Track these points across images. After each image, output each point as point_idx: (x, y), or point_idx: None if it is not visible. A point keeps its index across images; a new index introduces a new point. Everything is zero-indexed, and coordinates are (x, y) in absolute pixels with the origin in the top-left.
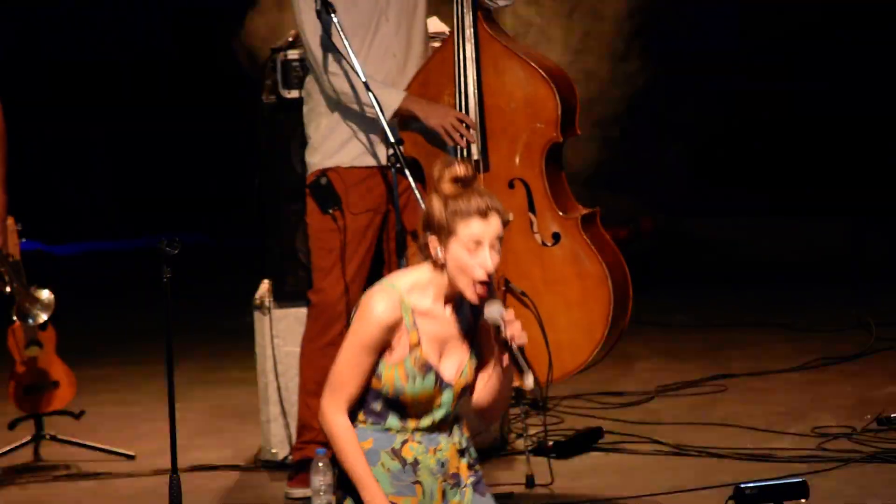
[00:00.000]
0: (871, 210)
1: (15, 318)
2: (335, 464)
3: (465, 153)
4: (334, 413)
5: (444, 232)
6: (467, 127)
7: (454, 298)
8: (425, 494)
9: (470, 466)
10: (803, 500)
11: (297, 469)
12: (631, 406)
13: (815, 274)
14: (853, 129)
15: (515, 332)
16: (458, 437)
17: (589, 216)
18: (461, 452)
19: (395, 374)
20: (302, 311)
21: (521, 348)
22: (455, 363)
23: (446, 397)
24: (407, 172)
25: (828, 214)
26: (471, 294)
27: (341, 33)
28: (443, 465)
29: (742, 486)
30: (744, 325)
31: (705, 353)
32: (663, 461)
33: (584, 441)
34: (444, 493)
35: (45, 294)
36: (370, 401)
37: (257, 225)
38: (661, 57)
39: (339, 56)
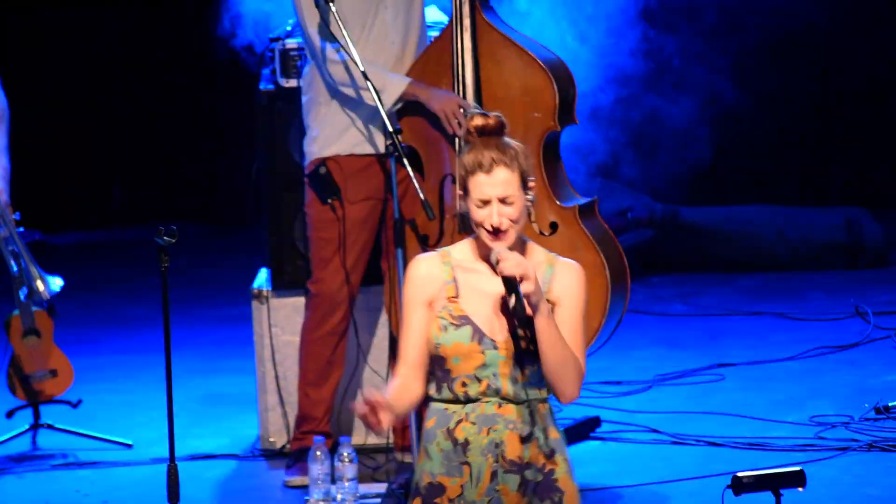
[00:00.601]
0: (868, 198)
1: (23, 298)
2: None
3: (462, 142)
4: (394, 381)
5: (462, 189)
6: (466, 114)
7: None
8: (472, 476)
9: (529, 464)
10: (800, 489)
11: (296, 458)
12: (629, 395)
13: (813, 262)
14: (848, 115)
15: (508, 264)
16: (523, 425)
17: (587, 206)
18: (524, 440)
19: (433, 328)
20: (300, 301)
21: (515, 284)
22: (506, 322)
23: (491, 357)
24: (405, 161)
25: (825, 203)
26: (489, 242)
27: (339, 22)
28: (497, 445)
29: (739, 474)
30: (741, 314)
31: (703, 342)
32: (661, 450)
33: (582, 430)
34: (494, 475)
35: (52, 279)
36: (433, 369)
37: (255, 214)
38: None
39: (338, 45)
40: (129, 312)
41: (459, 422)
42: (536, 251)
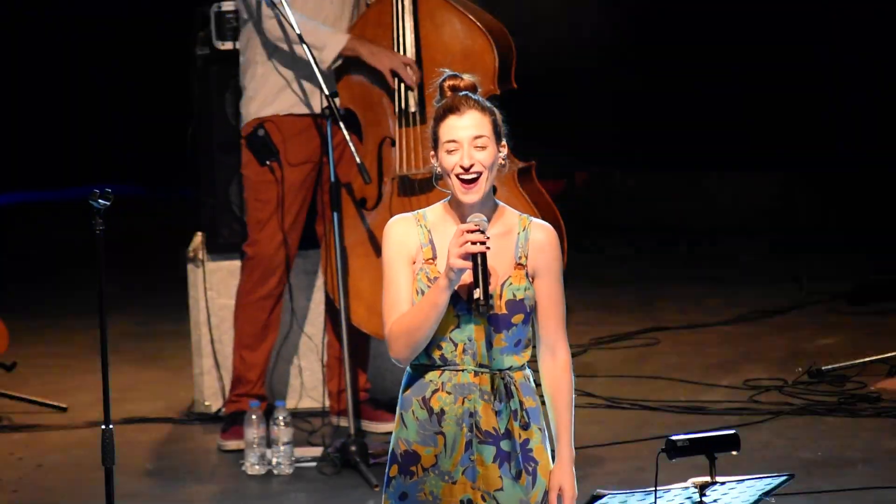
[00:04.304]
0: (802, 164)
1: None
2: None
3: (402, 105)
4: (389, 326)
5: (434, 141)
6: (413, 75)
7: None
8: (447, 446)
9: (508, 435)
10: (735, 452)
11: (231, 422)
12: None
13: (747, 228)
14: (782, 83)
15: (470, 240)
16: (496, 400)
17: (525, 169)
18: (497, 413)
19: (413, 291)
20: (235, 264)
21: (482, 261)
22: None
23: (466, 321)
24: (341, 124)
25: (759, 168)
26: (459, 193)
27: None
28: (471, 414)
29: (674, 438)
30: (676, 280)
31: (638, 307)
32: (597, 414)
33: None
34: (468, 444)
35: None
36: None
37: (191, 177)
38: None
39: (273, 3)
40: (64, 275)
41: (435, 391)
42: (509, 214)
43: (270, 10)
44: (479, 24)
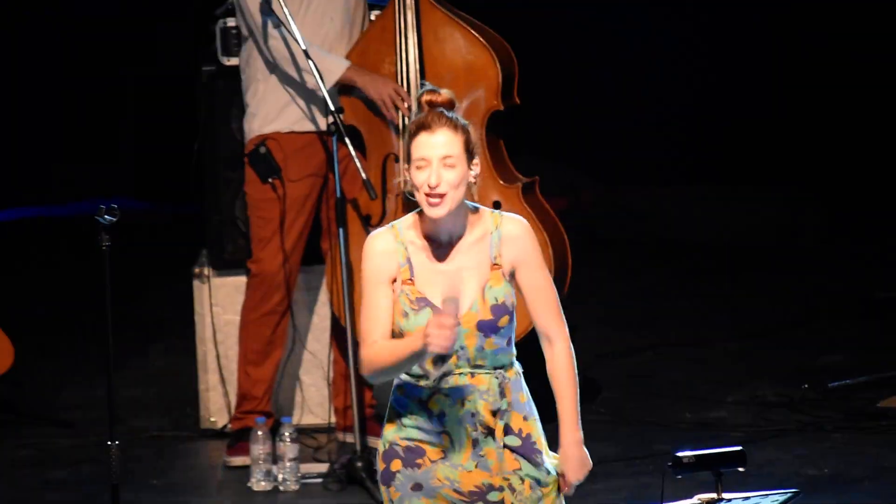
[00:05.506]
0: (809, 181)
1: None
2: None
3: (405, 121)
4: (365, 351)
5: (407, 156)
6: (404, 102)
7: (452, 231)
8: (453, 443)
9: (507, 431)
10: (741, 469)
11: (237, 438)
12: None
13: (753, 243)
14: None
15: (436, 342)
16: (494, 396)
17: (529, 185)
18: (495, 413)
19: (396, 313)
20: (241, 280)
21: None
22: (467, 297)
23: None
24: (347, 140)
25: (765, 184)
26: (426, 209)
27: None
28: (473, 414)
29: (679, 454)
30: (682, 295)
31: (644, 322)
32: (602, 429)
33: None
34: (475, 442)
35: None
36: None
37: (196, 192)
38: None
39: (278, 21)
40: (70, 291)
41: (433, 394)
42: (484, 217)
43: (276, 29)
44: (482, 39)
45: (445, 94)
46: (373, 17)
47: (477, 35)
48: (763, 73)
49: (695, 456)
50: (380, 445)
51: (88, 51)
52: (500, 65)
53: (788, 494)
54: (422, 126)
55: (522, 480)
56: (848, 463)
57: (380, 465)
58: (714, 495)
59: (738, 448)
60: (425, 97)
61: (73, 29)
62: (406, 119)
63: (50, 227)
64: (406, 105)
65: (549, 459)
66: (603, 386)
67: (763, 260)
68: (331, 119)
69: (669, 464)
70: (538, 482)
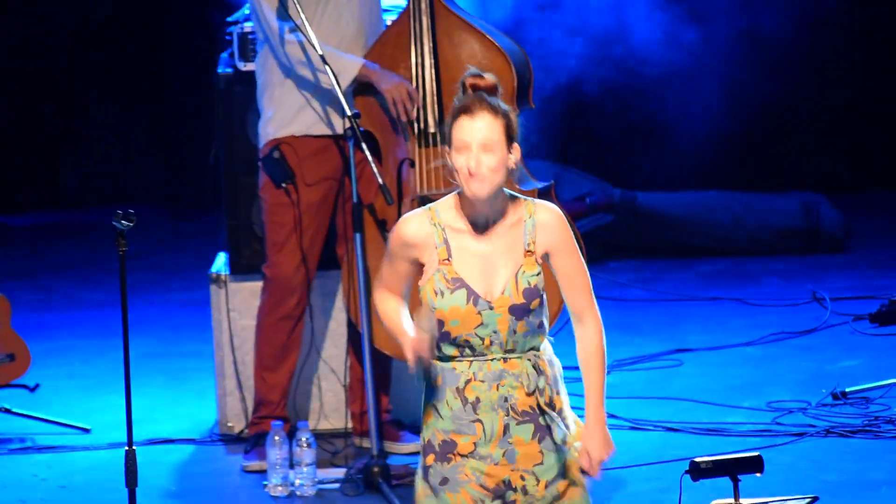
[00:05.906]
0: (826, 185)
1: None
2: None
3: (421, 126)
4: (376, 294)
5: (448, 141)
6: (413, 105)
7: (489, 215)
8: (485, 433)
9: (542, 412)
10: (758, 475)
11: (254, 443)
12: None
13: (770, 248)
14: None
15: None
16: (529, 379)
17: (544, 190)
18: (530, 393)
19: (427, 292)
20: (258, 285)
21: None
22: (500, 281)
23: (488, 317)
24: (363, 145)
25: (782, 188)
26: (466, 189)
27: (296, 2)
28: (506, 399)
29: (697, 459)
30: (699, 300)
31: (661, 328)
32: (619, 435)
33: None
34: (506, 428)
35: None
36: None
37: (214, 198)
38: None
39: (294, 25)
40: (87, 296)
41: (468, 381)
42: (521, 205)
43: (292, 34)
44: (497, 43)
45: (489, 78)
46: (388, 22)
47: (492, 39)
48: (784, 78)
49: (712, 462)
50: (421, 439)
51: (100, 52)
52: (515, 69)
53: (807, 500)
54: (463, 110)
55: (538, 481)
56: (866, 468)
57: (420, 460)
58: (732, 501)
59: (756, 453)
60: (469, 80)
61: (82, 32)
62: (425, 121)
63: (67, 231)
64: (414, 108)
65: (574, 427)
66: (620, 392)
67: (780, 265)
68: (347, 124)
69: (687, 470)
70: (558, 452)
